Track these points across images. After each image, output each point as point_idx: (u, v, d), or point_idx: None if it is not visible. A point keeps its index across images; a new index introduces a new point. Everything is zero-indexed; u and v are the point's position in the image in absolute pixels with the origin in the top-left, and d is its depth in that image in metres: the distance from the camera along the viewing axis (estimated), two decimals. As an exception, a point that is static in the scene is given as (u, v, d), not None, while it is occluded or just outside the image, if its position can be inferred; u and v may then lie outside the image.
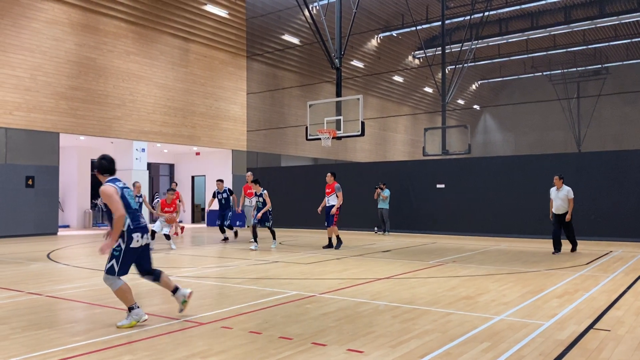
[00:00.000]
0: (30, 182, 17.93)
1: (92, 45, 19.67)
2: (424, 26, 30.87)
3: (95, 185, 23.84)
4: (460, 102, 42.67)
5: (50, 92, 18.40)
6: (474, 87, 44.29)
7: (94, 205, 23.86)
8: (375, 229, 18.32)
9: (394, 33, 32.49)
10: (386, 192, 17.78)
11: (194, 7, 22.51)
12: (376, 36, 32.74)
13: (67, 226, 22.76)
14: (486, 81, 44.26)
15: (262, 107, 27.16)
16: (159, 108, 22.06)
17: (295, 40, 27.56)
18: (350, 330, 5.00)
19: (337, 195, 12.93)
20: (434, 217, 18.27)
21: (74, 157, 22.95)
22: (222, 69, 24.86)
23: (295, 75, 29.20)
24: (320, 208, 13.52)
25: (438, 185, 18.34)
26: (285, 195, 21.16)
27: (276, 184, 21.44)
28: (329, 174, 13.41)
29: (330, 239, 13.02)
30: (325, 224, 12.94)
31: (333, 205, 12.71)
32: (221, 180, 16.32)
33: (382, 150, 36.30)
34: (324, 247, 13.01)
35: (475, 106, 44.51)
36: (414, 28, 29.44)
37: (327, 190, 13.12)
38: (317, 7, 22.41)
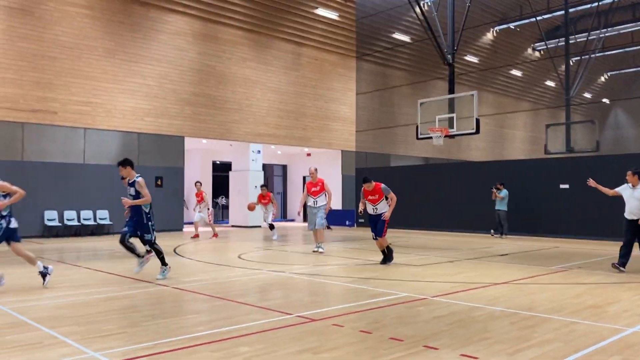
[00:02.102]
0: (159, 182, 19.51)
1: (212, 54, 20.94)
2: (545, 16, 28.97)
3: (217, 185, 25.35)
4: (587, 95, 39.49)
5: (176, 98, 19.88)
6: (602, 79, 40.77)
7: (215, 204, 25.37)
8: (492, 231, 17.51)
9: (512, 25, 30.89)
10: (504, 193, 16.87)
11: (306, 12, 23.09)
12: (492, 29, 31.35)
13: (191, 223, 24.39)
14: (617, 72, 40.52)
15: (371, 107, 27.17)
16: (273, 111, 22.92)
17: (405, 38, 27.23)
18: (463, 335, 4.82)
19: (325, 195, 11.67)
20: (556, 219, 17.08)
21: (197, 159, 24.58)
22: (332, 71, 25.24)
23: (406, 73, 28.83)
24: (299, 208, 12.44)
25: (562, 186, 17.09)
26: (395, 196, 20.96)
27: (385, 184, 21.31)
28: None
29: (383, 251, 10.02)
30: (374, 236, 9.99)
31: (382, 212, 9.97)
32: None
33: (498, 149, 34.67)
34: (381, 263, 9.97)
35: (604, 100, 40.96)
36: (533, 19, 27.77)
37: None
38: (429, 3, 21.95)
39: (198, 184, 16.87)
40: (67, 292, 7.04)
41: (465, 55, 29.90)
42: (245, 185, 22.40)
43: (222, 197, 25.72)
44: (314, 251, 11.82)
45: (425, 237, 17.26)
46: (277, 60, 23.08)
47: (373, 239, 9.99)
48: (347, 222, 21.87)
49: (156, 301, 6.42)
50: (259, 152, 22.75)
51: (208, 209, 16.68)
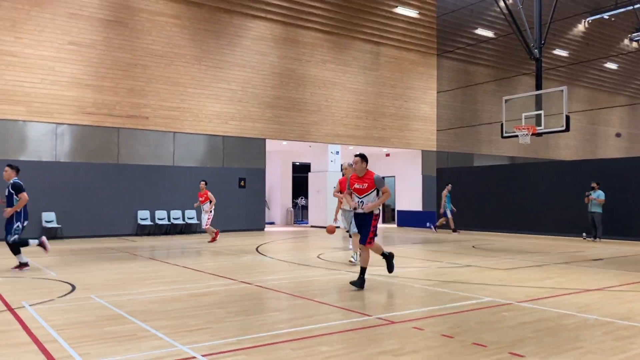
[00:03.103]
0: (242, 183, 20.16)
1: (292, 57, 21.33)
2: (643, 4, 26.93)
3: (297, 186, 25.77)
4: (692, 87, 36.22)
5: (258, 102, 20.45)
6: None
7: (294, 204, 25.82)
8: (584, 234, 16.46)
9: (606, 15, 28.96)
10: (599, 194, 15.71)
11: (385, 11, 22.95)
12: (583, 20, 29.57)
13: (273, 223, 25.01)
14: None
15: (452, 105, 26.50)
16: (352, 112, 22.97)
17: (488, 34, 26.32)
18: (552, 343, 4.58)
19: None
20: (657, 222, 15.78)
21: (278, 160, 25.14)
22: (412, 70, 24.90)
23: (489, 69, 27.86)
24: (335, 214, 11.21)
25: (663, 186, 15.79)
26: (479, 197, 20.32)
27: (468, 185, 20.72)
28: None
29: (383, 254, 7.97)
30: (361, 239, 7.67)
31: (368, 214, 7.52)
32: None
33: (591, 147, 32.63)
34: (388, 270, 8.09)
35: None
36: (630, 7, 25.89)
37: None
38: (513, -4, 21.08)
39: (202, 182, 15.39)
40: (158, 288, 7.45)
41: (554, 49, 28.41)
42: (324, 186, 22.61)
43: (302, 198, 26.13)
44: (350, 261, 10.16)
45: (510, 240, 16.59)
46: (356, 61, 23.11)
47: (361, 243, 7.59)
48: (427, 224, 21.48)
49: (239, 298, 6.63)
50: (337, 153, 22.88)
51: (211, 211, 15.13)
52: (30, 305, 6.11)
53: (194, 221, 18.92)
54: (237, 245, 14.04)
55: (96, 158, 17.27)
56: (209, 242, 14.97)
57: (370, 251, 7.59)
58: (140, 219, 17.96)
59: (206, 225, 15.13)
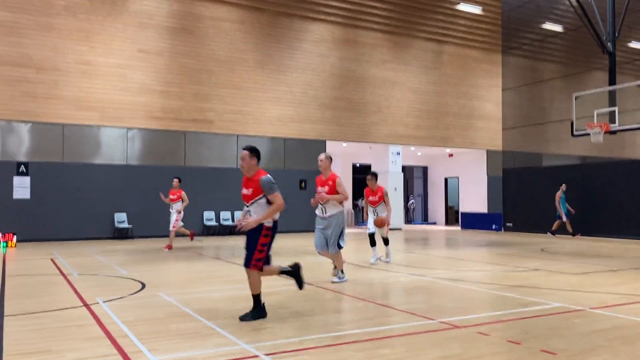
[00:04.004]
0: (302, 185, 20.34)
1: (352, 58, 21.32)
2: None
3: (357, 188, 25.72)
4: None
5: (318, 104, 20.58)
6: None
7: (355, 206, 25.78)
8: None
9: (687, 3, 27.06)
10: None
11: (447, 8, 22.51)
12: (661, 10, 27.76)
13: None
14: None
15: (519, 103, 25.57)
16: (413, 112, 22.67)
17: (557, 28, 25.23)
18: (628, 353, 4.32)
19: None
20: None
21: (338, 161, 25.19)
22: (475, 67, 24.27)
23: (558, 65, 26.68)
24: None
25: None
26: (548, 198, 19.49)
27: (537, 186, 19.93)
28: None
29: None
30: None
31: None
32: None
33: (671, 145, 30.54)
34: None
35: None
36: None
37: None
38: (584, -12, 20.11)
39: (176, 180, 13.48)
40: (222, 287, 7.64)
41: (629, 42, 26.83)
42: (385, 187, 22.40)
43: (362, 200, 26.03)
44: (332, 282, 8.04)
45: (582, 243, 15.81)
46: (416, 60, 22.79)
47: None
48: (493, 226, 20.86)
49: (301, 299, 6.68)
50: (398, 153, 22.64)
51: (180, 212, 13.27)
52: (103, 301, 6.42)
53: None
54: (299, 246, 14.17)
55: (164, 161, 17.95)
56: (165, 247, 13.19)
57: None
58: (206, 219, 18.51)
59: (173, 227, 13.21)
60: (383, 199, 9.85)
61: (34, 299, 6.71)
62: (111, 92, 17.07)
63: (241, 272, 9.09)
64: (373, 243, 10.33)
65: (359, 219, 25.88)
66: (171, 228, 13.27)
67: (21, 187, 15.90)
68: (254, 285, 5.55)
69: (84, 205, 16.58)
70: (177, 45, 18.09)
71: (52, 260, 11.07)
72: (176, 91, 18.04)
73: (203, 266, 10.23)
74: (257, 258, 5.46)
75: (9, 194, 15.76)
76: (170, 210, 13.44)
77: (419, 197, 28.23)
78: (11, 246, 14.45)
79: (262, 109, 19.54)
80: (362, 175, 25.39)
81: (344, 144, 22.26)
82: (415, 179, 28.73)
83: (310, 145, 20.53)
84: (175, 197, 13.31)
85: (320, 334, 4.91)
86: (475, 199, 24.97)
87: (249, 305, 6.30)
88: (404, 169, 24.17)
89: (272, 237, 5.61)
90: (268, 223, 5.58)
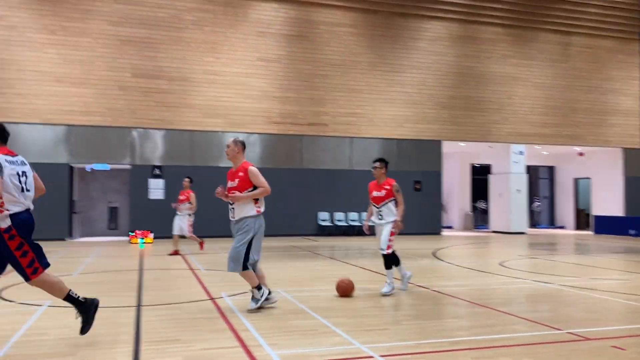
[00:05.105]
0: (417, 186, 20.01)
1: (471, 55, 20.57)
2: None
3: (477, 189, 24.75)
4: None
5: (433, 103, 20.12)
6: None
7: (474, 208, 24.83)
8: None
9: None
10: None
11: (575, -3, 20.92)
12: None
13: (450, 227, 24.35)
14: None
15: (662, 96, 23.04)
16: (537, 108, 21.34)
17: None
18: None
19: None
20: None
21: (456, 162, 24.42)
22: (609, 59, 22.27)
23: None
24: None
25: None
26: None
27: None
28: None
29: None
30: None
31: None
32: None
33: None
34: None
35: None
36: None
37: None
38: None
39: (187, 180, 12.43)
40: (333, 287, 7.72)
41: None
42: (507, 188, 21.34)
43: (482, 201, 25.00)
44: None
45: None
46: (541, 54, 21.42)
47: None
48: (630, 232, 18.97)
49: (417, 302, 6.56)
50: (521, 153, 21.42)
51: (189, 215, 12.28)
52: (228, 296, 6.80)
53: (369, 223, 19.27)
54: (413, 249, 13.95)
55: (282, 164, 18.63)
56: (169, 254, 12.23)
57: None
58: (321, 220, 18.90)
59: (189, 233, 12.28)
60: (392, 195, 7.33)
61: (167, 292, 7.29)
62: (234, 100, 18.07)
63: (356, 273, 9.14)
64: (391, 264, 7.20)
65: (478, 221, 24.87)
66: (187, 235, 12.27)
67: (156, 189, 17.40)
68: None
69: (210, 205, 17.66)
70: (294, 52, 18.69)
71: (182, 255, 11.96)
72: (293, 96, 18.65)
73: (319, 265, 10.44)
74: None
75: (145, 195, 17.33)
76: (178, 213, 12.30)
77: (545, 199, 26.47)
78: (148, 242, 15.87)
79: (376, 110, 19.54)
80: (482, 176, 24.48)
81: (462, 144, 21.53)
82: (540, 179, 26.98)
83: (426, 146, 20.13)
84: (184, 197, 12.22)
85: (437, 338, 4.78)
86: (609, 201, 22.87)
87: (365, 305, 6.30)
88: (528, 169, 22.81)
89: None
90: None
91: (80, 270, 9.59)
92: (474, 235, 20.20)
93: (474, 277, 8.83)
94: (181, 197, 12.31)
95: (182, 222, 12.21)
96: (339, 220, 19.09)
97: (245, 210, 5.88)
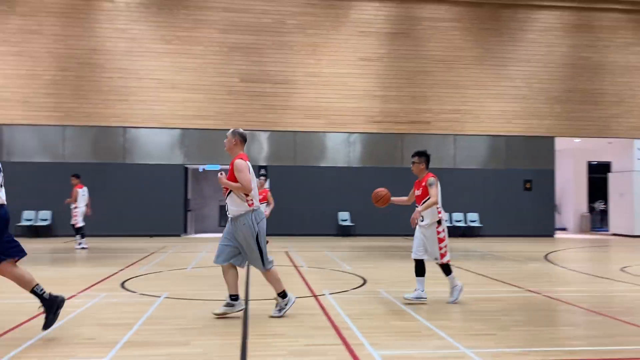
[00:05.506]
0: (527, 185, 18.97)
1: (586, 44, 19.13)
2: None
3: (594, 188, 23.00)
4: None
5: (545, 97, 18.96)
6: None
7: (591, 209, 23.11)
8: None
9: None
10: None
11: None
12: None
13: (564, 229, 22.83)
14: None
15: None
16: (665, 100, 19.36)
17: None
18: None
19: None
20: None
21: (570, 160, 22.85)
22: None
23: None
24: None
25: None
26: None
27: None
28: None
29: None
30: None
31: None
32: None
33: None
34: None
35: None
36: None
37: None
38: None
39: (262, 178, 11.84)
40: (439, 289, 7.53)
41: None
42: (629, 188, 19.59)
43: (600, 202, 23.15)
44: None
45: None
46: (670, 40, 19.41)
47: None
48: None
49: (526, 307, 6.23)
50: (646, 149, 19.55)
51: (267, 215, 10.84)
52: (329, 294, 6.90)
53: (476, 224, 18.62)
54: (523, 252, 13.26)
55: (382, 162, 18.55)
56: None
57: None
58: (424, 220, 18.56)
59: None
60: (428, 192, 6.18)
61: (272, 287, 7.53)
62: (335, 100, 18.29)
63: (460, 276, 8.87)
64: (420, 271, 6.38)
65: (596, 223, 23.07)
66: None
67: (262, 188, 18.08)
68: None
69: (312, 204, 18.12)
70: (395, 49, 18.52)
71: (286, 252, 12.33)
72: (394, 95, 18.49)
73: (421, 266, 10.26)
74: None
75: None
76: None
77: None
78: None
79: (482, 106, 18.81)
80: (599, 174, 22.68)
81: (577, 140, 20.09)
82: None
83: (537, 143, 19.04)
84: (261, 197, 11.47)
85: (549, 347, 4.51)
86: None
87: (470, 309, 6.10)
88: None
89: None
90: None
91: (193, 264, 10.22)
92: (591, 238, 18.77)
93: (591, 283, 8.20)
94: (259, 196, 11.32)
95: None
96: (444, 220, 18.62)
97: (235, 205, 5.42)
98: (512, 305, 6.33)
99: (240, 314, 5.68)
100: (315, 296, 6.77)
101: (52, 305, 4.64)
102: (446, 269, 6.33)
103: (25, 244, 4.98)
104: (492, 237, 18.17)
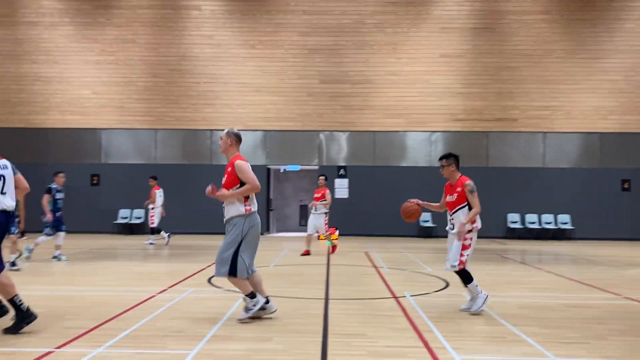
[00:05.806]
0: (625, 185, 17.66)
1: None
2: None
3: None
4: None
5: (645, 90, 17.57)
6: None
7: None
8: None
9: None
10: None
11: None
12: None
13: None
14: None
15: None
16: None
17: None
18: None
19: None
20: None
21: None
22: None
23: None
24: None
25: None
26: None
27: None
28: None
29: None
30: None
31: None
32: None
33: None
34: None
35: None
36: None
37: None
38: None
39: (322, 177, 12.29)
40: (528, 293, 7.22)
41: None
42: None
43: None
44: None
45: None
46: None
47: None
48: None
49: (624, 316, 5.80)
50: None
51: (325, 213, 11.94)
52: (410, 295, 6.79)
53: (568, 226, 17.57)
54: (621, 256, 12.36)
55: (466, 162, 17.80)
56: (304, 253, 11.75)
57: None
58: (510, 222, 17.79)
59: (326, 231, 12.02)
60: (465, 200, 5.86)
61: (352, 287, 7.55)
62: (416, 99, 17.99)
63: (550, 280, 8.42)
64: (467, 278, 5.85)
65: None
66: (323, 232, 12.04)
67: (341, 188, 18.14)
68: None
69: (392, 204, 17.80)
70: (479, 45, 17.93)
71: (366, 253, 12.29)
72: (478, 92, 17.89)
73: (507, 270, 9.88)
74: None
75: (331, 194, 18.17)
76: (313, 212, 11.97)
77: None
78: (334, 239, 16.57)
79: (574, 102, 17.75)
80: None
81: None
82: None
83: (636, 140, 17.66)
84: (320, 195, 11.91)
85: (651, 360, 4.17)
86: None
87: (561, 316, 5.80)
88: None
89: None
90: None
91: (275, 262, 10.45)
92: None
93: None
94: (316, 195, 12.01)
95: (317, 221, 11.92)
96: (531, 223, 17.76)
97: (233, 209, 5.27)
98: (607, 313, 5.92)
99: (320, 312, 5.72)
100: (395, 297, 6.69)
101: (24, 318, 4.69)
102: (467, 277, 5.79)
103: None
104: (586, 240, 17.09)
